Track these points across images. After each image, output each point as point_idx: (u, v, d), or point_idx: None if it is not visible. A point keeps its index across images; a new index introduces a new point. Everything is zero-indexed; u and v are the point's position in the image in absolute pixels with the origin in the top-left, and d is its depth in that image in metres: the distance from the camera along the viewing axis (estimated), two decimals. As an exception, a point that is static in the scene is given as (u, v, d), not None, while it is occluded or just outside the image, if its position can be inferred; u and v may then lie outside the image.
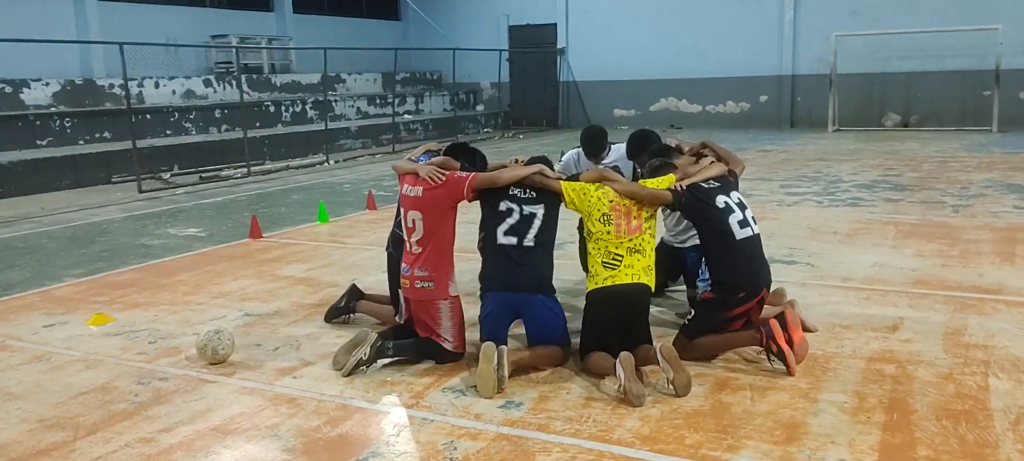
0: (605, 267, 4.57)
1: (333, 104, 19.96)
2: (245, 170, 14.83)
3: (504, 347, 4.50)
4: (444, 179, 4.82)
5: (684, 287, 6.02)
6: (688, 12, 22.21)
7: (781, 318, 4.66)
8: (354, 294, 5.82)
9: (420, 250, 4.86)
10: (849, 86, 20.24)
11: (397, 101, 21.48)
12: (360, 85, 22.39)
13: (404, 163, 5.15)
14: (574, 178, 5.00)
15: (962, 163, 13.39)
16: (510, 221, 4.73)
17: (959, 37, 19.13)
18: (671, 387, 4.29)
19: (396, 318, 5.54)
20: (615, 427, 3.98)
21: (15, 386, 4.77)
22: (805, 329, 5.04)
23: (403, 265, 4.97)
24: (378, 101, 21.54)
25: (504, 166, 5.43)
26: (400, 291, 5.44)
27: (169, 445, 3.94)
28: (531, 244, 4.68)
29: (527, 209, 4.75)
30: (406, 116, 21.32)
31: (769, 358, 4.62)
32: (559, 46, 24.01)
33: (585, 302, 4.73)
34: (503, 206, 4.77)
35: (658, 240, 6.07)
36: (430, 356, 4.89)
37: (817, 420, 3.99)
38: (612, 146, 6.25)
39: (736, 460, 3.63)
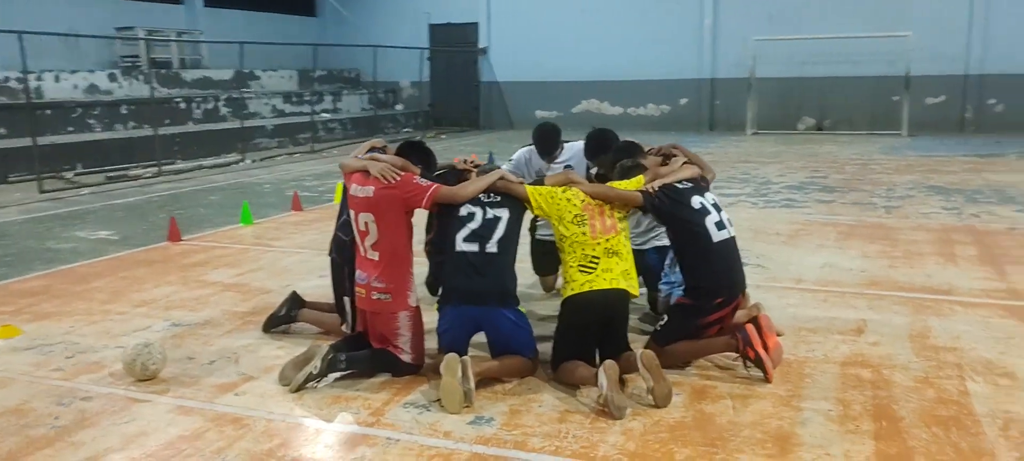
0: (582, 271, 4.30)
1: (247, 101, 19.19)
2: (156, 169, 14.05)
3: (468, 358, 4.18)
4: (399, 179, 4.46)
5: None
6: (610, 14, 22.23)
7: (755, 323, 4.48)
8: (295, 302, 5.40)
9: (376, 256, 4.49)
10: (766, 90, 20.57)
11: (314, 99, 20.83)
12: (275, 82, 21.61)
13: (352, 160, 4.77)
14: (537, 183, 4.72)
15: (882, 166, 13.68)
16: (471, 226, 4.40)
17: (871, 44, 19.64)
18: (650, 397, 4.05)
19: (343, 327, 5.16)
20: (598, 443, 3.71)
21: (-88, 410, 4.20)
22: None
23: (359, 273, 4.59)
24: (294, 99, 20.83)
25: (453, 166, 5.12)
26: (347, 299, 5.08)
27: (101, 476, 3.49)
28: (494, 251, 4.36)
29: (491, 212, 4.43)
30: (324, 115, 20.67)
31: (745, 364, 4.43)
32: (481, 46, 23.72)
33: (560, 309, 4.44)
34: (464, 210, 4.44)
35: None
36: (386, 369, 4.53)
37: (806, 430, 3.81)
38: (565, 144, 6.00)
39: (733, 477, 3.40)
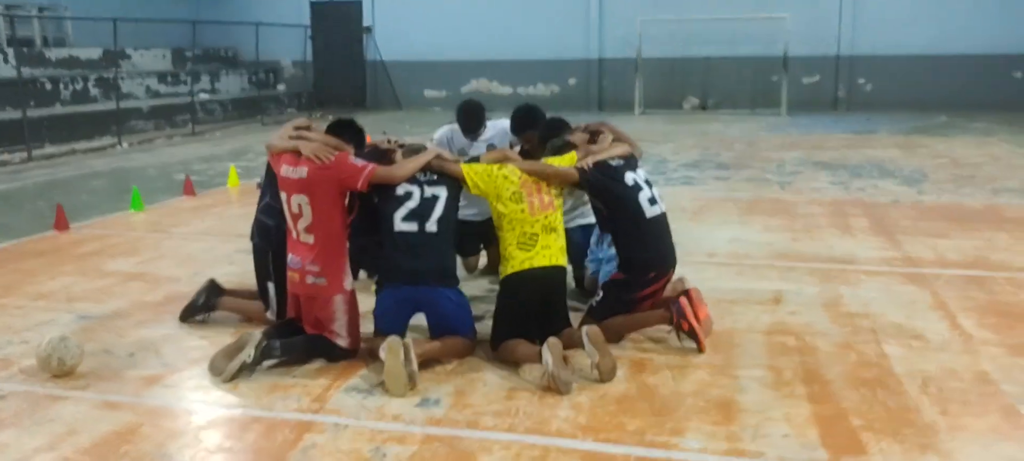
0: (520, 248, 4.30)
1: (119, 82, 18.21)
2: (25, 154, 13.17)
3: (409, 340, 4.12)
4: (333, 159, 4.34)
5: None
6: (498, -7, 22.24)
7: (687, 296, 4.60)
8: (213, 290, 5.17)
9: (311, 239, 4.36)
10: (652, 70, 21.04)
11: (191, 79, 19.98)
12: (148, 61, 20.56)
13: (279, 140, 4.60)
14: (474, 160, 4.69)
15: (768, 143, 14.24)
16: (410, 205, 4.33)
17: (751, 25, 20.37)
18: (595, 371, 4.09)
19: (267, 314, 4.99)
20: (549, 418, 3.74)
21: None
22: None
23: (291, 256, 4.44)
24: (170, 79, 19.92)
25: (376, 145, 5.00)
26: (271, 284, 4.92)
27: (32, 479, 3.27)
28: (433, 230, 4.31)
29: (429, 191, 4.37)
30: (202, 95, 19.85)
31: (679, 336, 4.54)
32: (365, 24, 23.27)
33: (500, 287, 4.43)
34: (400, 190, 4.37)
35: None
36: (321, 354, 4.42)
37: (746, 397, 3.94)
38: (487, 122, 5.97)
39: (686, 443, 3.49)
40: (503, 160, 4.58)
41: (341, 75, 23.49)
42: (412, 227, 4.29)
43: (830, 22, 20.61)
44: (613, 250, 5.18)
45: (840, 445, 3.45)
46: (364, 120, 17.68)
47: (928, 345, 4.58)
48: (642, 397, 3.95)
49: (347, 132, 4.65)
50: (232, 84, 21.83)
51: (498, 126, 5.95)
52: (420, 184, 4.38)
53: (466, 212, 5.95)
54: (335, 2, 23.44)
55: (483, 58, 22.58)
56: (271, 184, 4.87)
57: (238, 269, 6.34)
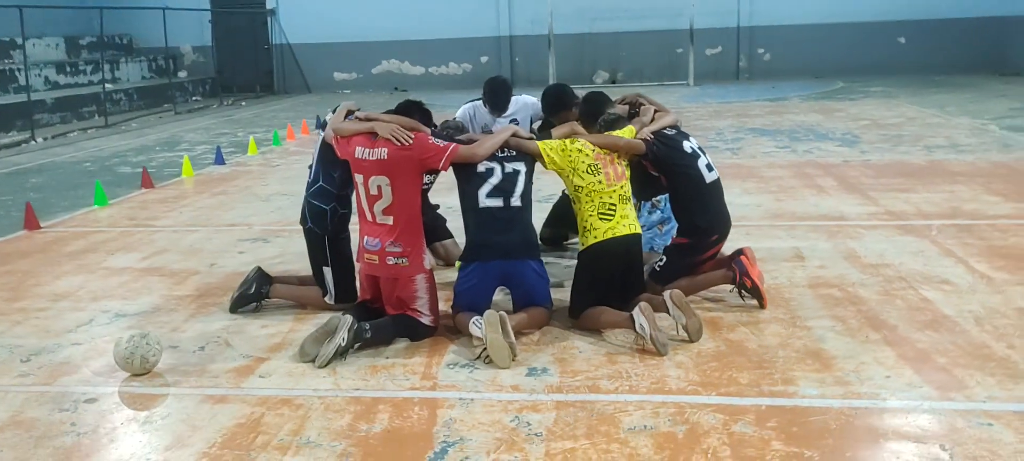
0: (602, 219, 4.42)
1: (15, 73, 17.14)
2: (-68, 154, 12.29)
3: (503, 314, 4.19)
4: (413, 140, 4.35)
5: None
6: (404, -27, 22.03)
7: (742, 254, 4.84)
8: (263, 278, 5.07)
9: (390, 220, 4.36)
10: (563, 46, 21.33)
11: (90, 68, 19.02)
12: (41, 51, 19.41)
13: (349, 124, 4.56)
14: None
15: (695, 113, 14.76)
16: (493, 181, 4.39)
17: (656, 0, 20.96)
18: (683, 332, 4.28)
19: (326, 299, 4.95)
20: (663, 378, 3.90)
21: None
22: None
23: (367, 239, 4.42)
24: (69, 69, 18.88)
25: (447, 124, 5.04)
26: (327, 269, 4.88)
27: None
28: (518, 204, 4.40)
29: (509, 167, 4.44)
30: (107, 85, 18.88)
31: (741, 293, 4.78)
32: (269, 7, 22.64)
33: (581, 257, 4.55)
34: (482, 167, 4.42)
35: (560, 193, 6.06)
36: (406, 333, 4.43)
37: (829, 345, 4.21)
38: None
39: (805, 391, 3.72)
40: (572, 135, 4.69)
41: (246, 60, 22.81)
42: (498, 203, 4.36)
43: (730, -6, 21.44)
44: (656, 216, 5.41)
45: (940, 382, 3.76)
46: (277, 106, 17.49)
47: (959, 289, 4.98)
48: (735, 352, 4.17)
49: (417, 112, 4.65)
50: (132, 72, 20.90)
51: (520, 101, 6.03)
52: (500, 161, 4.45)
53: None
54: (236, -16, 22.68)
55: (393, 38, 22.36)
56: (328, 168, 4.82)
57: (250, 257, 6.24)
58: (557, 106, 5.53)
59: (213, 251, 6.47)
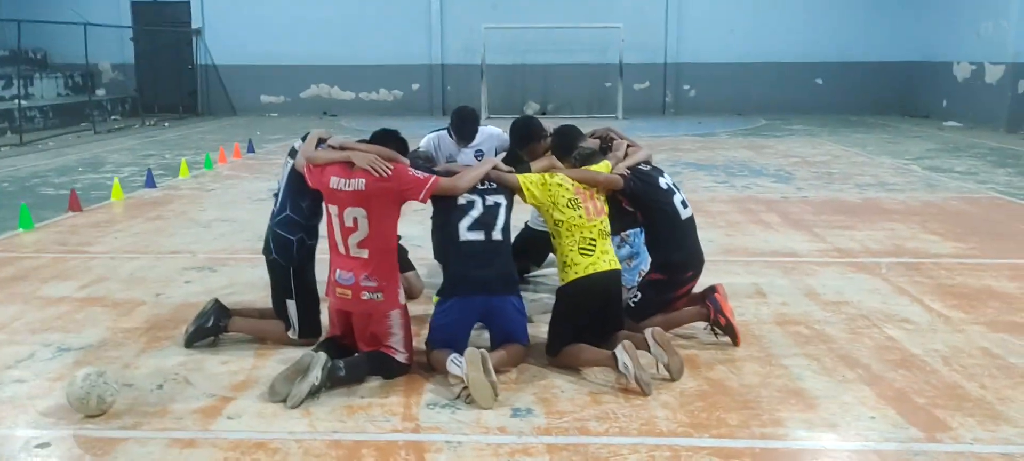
0: (582, 254, 4.35)
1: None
2: None
3: (484, 352, 4.07)
4: (391, 172, 4.21)
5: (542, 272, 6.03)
6: (334, -1, 21.79)
7: (714, 292, 4.84)
8: (222, 311, 4.82)
9: (365, 254, 4.20)
10: (495, 76, 21.38)
11: (1, 84, 18.15)
12: (-54, 65, 18.46)
13: (323, 153, 4.39)
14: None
15: (630, 146, 14.88)
16: (474, 214, 4.29)
17: (586, 34, 21.21)
18: (665, 371, 4.23)
19: (288, 333, 4.73)
20: (652, 419, 3.84)
21: None
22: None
23: (339, 272, 4.25)
24: (-24, 85, 17.98)
25: (418, 155, 4.92)
26: (291, 302, 4.68)
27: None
28: (499, 238, 4.30)
29: (490, 199, 4.34)
30: (18, 102, 18.01)
31: (715, 331, 4.77)
32: (195, 26, 22.04)
33: (561, 293, 4.45)
34: (463, 199, 4.31)
35: (523, 225, 5.99)
36: (379, 371, 4.26)
37: (809, 385, 4.22)
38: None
39: (795, 434, 3.71)
40: (551, 169, 4.62)
41: (169, 80, 22.17)
42: (479, 236, 4.24)
43: (657, 32, 21.90)
44: (624, 251, 5.37)
45: (924, 423, 3.79)
46: (200, 128, 17.04)
47: (920, 327, 5.08)
48: (719, 392, 4.14)
49: (394, 142, 4.50)
50: (47, 89, 20.01)
51: (486, 132, 5.95)
52: (480, 193, 4.34)
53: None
54: (160, 2, 22.01)
55: (323, 63, 22.05)
56: (296, 198, 4.63)
57: (198, 287, 6.00)
58: (525, 139, 5.47)
59: (157, 280, 6.15)
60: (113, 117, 20.51)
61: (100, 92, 21.67)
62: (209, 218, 8.49)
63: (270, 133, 16.81)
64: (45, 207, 8.99)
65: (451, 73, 22.12)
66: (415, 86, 22.25)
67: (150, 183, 10.27)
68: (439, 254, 6.00)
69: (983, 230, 7.83)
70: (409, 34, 21.89)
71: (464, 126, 5.72)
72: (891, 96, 21.52)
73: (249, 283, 6.02)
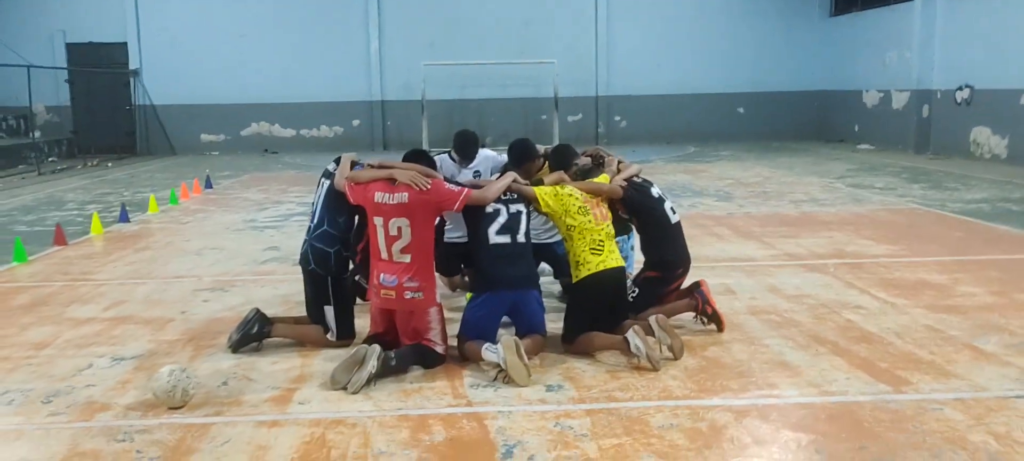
0: (593, 253, 5.01)
1: None
2: None
3: (517, 339, 4.68)
4: (430, 186, 4.81)
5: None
6: (274, 37, 22.12)
7: (699, 286, 5.56)
8: (264, 319, 5.30)
9: (408, 259, 4.78)
10: (434, 111, 21.99)
11: (-64, 128, 17.93)
12: None
13: (366, 172, 4.97)
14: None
15: (574, 173, 15.67)
16: (500, 220, 4.91)
17: (522, 69, 22.07)
18: (668, 352, 4.90)
19: (327, 336, 5.25)
20: (667, 386, 4.51)
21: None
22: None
23: (383, 275, 4.81)
24: (-88, 128, 17.70)
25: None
26: (328, 308, 5.20)
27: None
28: (523, 240, 4.94)
29: (513, 208, 4.98)
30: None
31: (703, 319, 5.48)
32: (132, 67, 22.07)
33: (575, 288, 5.10)
34: (490, 208, 4.93)
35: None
36: (421, 362, 4.83)
37: (790, 358, 4.96)
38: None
39: (787, 392, 4.42)
40: (561, 181, 5.28)
41: (105, 120, 22.12)
42: (506, 239, 4.87)
43: (588, 67, 22.94)
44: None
45: (890, 380, 4.55)
46: (141, 169, 17.11)
47: (872, 312, 5.90)
48: (716, 366, 4.83)
49: (425, 160, 5.11)
50: (-20, 131, 19.76)
51: (483, 154, 6.57)
52: (504, 203, 4.97)
53: (451, 234, 6.51)
54: (97, 43, 21.99)
55: (262, 101, 22.34)
56: (333, 214, 5.18)
57: (217, 305, 6.45)
58: (523, 158, 6.11)
59: (174, 301, 6.56)
60: (50, 159, 20.35)
61: (36, 134, 21.44)
62: (197, 247, 8.86)
63: (217, 171, 17.03)
64: (28, 242, 9.18)
65: (391, 109, 22.68)
66: (355, 122, 22.72)
67: (124, 218, 10.53)
68: (442, 266, 6.59)
69: (910, 235, 8.82)
70: (348, 72, 22.38)
71: (466, 147, 6.35)
72: (807, 122, 22.98)
73: (264, 300, 6.46)
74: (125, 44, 22.06)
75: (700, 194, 12.40)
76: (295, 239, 9.01)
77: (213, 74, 22.00)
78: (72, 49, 22.04)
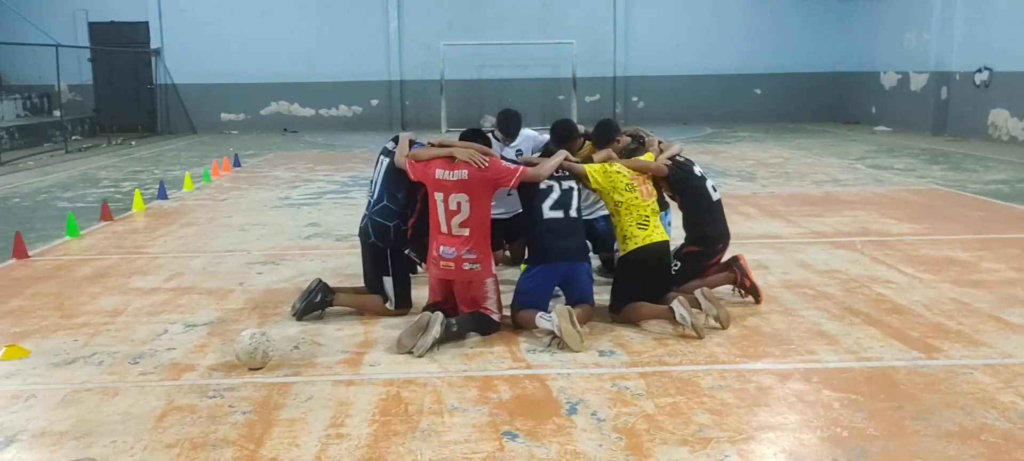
0: (640, 228, 5.29)
1: None
2: None
3: (569, 307, 4.98)
4: (488, 163, 5.09)
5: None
6: (294, 16, 22.37)
7: (738, 259, 5.84)
8: (326, 288, 5.61)
9: (466, 232, 5.06)
10: (452, 91, 22.25)
11: (-34, 106, 18.27)
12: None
13: (426, 150, 5.26)
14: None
15: (595, 153, 15.94)
16: (553, 196, 5.20)
17: (540, 49, 22.31)
18: (714, 322, 5.19)
19: (386, 305, 5.55)
20: (713, 352, 4.80)
21: (61, 429, 3.93)
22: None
23: (442, 248, 5.10)
24: (-59, 106, 18.04)
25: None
26: (388, 279, 5.49)
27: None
28: (575, 216, 5.22)
29: (565, 184, 5.26)
30: (-15, 123, 18.18)
31: (741, 292, 5.77)
32: (153, 46, 22.37)
33: (622, 261, 5.39)
34: (543, 185, 5.21)
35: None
36: (479, 328, 5.12)
37: (825, 327, 5.24)
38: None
39: (826, 358, 4.71)
40: (609, 160, 5.56)
41: (127, 99, 22.44)
42: (559, 214, 5.16)
43: (606, 48, 23.14)
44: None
45: (922, 348, 4.83)
46: (161, 147, 17.49)
47: (900, 286, 6.17)
48: (757, 334, 5.12)
49: (481, 139, 5.39)
50: (7, 110, 20.10)
51: (524, 133, 6.84)
52: (557, 180, 5.26)
53: (494, 211, 6.79)
54: (118, 22, 22.26)
55: (282, 80, 22.62)
56: (392, 190, 5.47)
57: (272, 277, 6.74)
58: (565, 137, 6.37)
59: (231, 273, 6.86)
60: (74, 137, 20.68)
61: (57, 113, 21.77)
62: (239, 223, 9.17)
63: (240, 150, 17.33)
64: (85, 219, 9.51)
65: (410, 88, 22.94)
66: (374, 101, 22.99)
67: (163, 194, 10.84)
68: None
69: (932, 214, 9.08)
70: (368, 51, 22.63)
71: (509, 125, 6.61)
72: (824, 104, 23.17)
73: (317, 272, 6.73)
74: (146, 23, 22.34)
75: (723, 174, 12.65)
76: (332, 216, 9.38)
77: (233, 53, 22.27)
78: (94, 28, 22.32)
